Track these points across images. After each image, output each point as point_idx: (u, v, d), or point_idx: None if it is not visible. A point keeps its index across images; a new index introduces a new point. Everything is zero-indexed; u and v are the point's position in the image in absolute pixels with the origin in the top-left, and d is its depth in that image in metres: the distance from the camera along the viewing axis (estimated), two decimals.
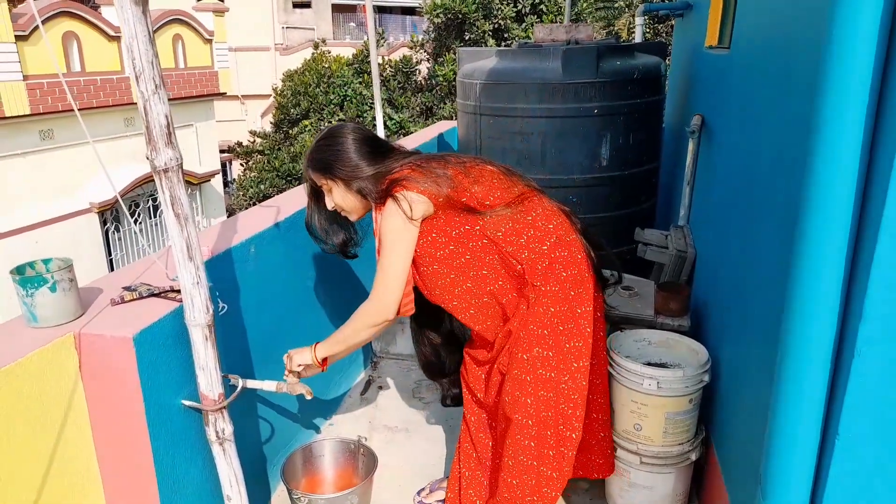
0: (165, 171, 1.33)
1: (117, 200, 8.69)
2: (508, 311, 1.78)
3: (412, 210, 1.66)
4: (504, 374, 1.80)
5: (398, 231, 1.68)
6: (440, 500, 2.18)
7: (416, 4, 17.68)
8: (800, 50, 1.44)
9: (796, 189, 1.37)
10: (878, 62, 0.96)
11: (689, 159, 2.92)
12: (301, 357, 1.84)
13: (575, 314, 1.75)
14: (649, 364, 2.04)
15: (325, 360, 1.84)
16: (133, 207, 9.47)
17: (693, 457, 2.04)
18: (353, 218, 1.89)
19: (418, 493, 2.23)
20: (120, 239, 9.38)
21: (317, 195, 1.91)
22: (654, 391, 1.94)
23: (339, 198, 1.81)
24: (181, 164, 1.36)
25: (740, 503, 1.68)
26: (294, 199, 2.51)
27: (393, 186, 1.69)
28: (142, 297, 1.61)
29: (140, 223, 9.69)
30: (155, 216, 9.80)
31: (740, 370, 1.83)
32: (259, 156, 12.02)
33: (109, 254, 9.18)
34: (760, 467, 1.21)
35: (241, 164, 12.61)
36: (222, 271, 1.91)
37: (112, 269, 8.92)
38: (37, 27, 7.50)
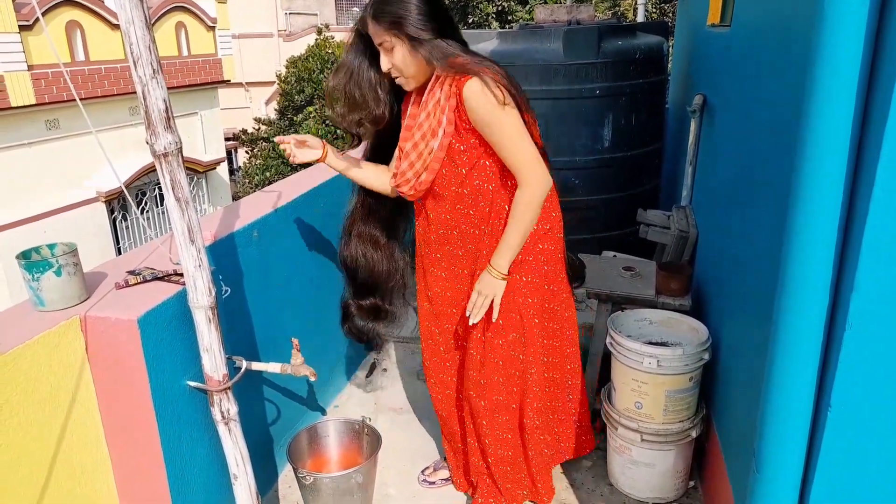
0: (165, 155, 1.35)
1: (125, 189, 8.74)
2: (486, 244, 1.77)
3: (504, 96, 1.57)
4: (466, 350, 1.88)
5: (505, 113, 1.58)
6: (444, 479, 2.21)
7: None
8: (796, 26, 1.43)
9: (789, 168, 1.37)
10: (868, 41, 0.96)
11: (690, 139, 2.91)
12: (490, 285, 1.71)
13: (544, 308, 1.84)
14: (650, 343, 2.05)
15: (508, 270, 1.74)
16: (140, 196, 9.52)
17: (693, 434, 2.05)
18: (408, 86, 1.72)
19: (423, 471, 2.26)
20: (128, 228, 9.44)
21: (365, 51, 1.73)
22: (654, 369, 1.96)
23: (400, 59, 1.63)
24: (181, 147, 1.37)
25: (739, 479, 1.70)
26: (295, 184, 2.52)
27: (476, 68, 1.58)
28: (146, 281, 1.64)
29: (147, 211, 9.74)
30: (162, 204, 9.85)
31: (739, 348, 1.84)
32: (264, 143, 12.02)
33: (117, 242, 9.24)
34: (754, 441, 1.23)
35: (247, 152, 12.62)
36: (225, 255, 1.93)
37: None
38: (41, 16, 7.51)
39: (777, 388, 1.16)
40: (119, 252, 9.15)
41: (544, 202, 1.69)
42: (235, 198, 12.14)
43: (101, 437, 1.55)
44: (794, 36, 1.44)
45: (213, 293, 1.52)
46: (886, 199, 0.94)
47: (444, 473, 2.23)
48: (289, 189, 2.44)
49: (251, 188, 11.45)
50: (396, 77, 1.70)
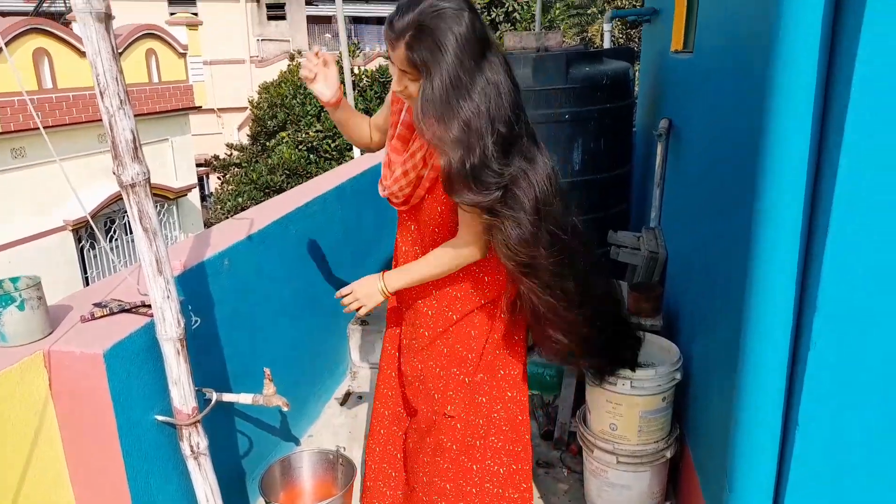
0: (133, 185, 1.34)
1: (90, 219, 8.58)
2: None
3: None
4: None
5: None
6: None
7: None
8: (755, 51, 1.48)
9: (752, 187, 1.41)
10: (821, 63, 1.00)
11: (657, 162, 2.97)
12: (369, 293, 1.70)
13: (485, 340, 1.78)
14: None
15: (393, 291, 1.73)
16: (108, 224, 9.36)
17: (668, 454, 2.07)
18: (411, 104, 1.59)
19: None
20: (95, 256, 9.26)
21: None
22: (628, 391, 1.97)
23: (416, 90, 1.45)
24: (148, 178, 1.36)
25: (714, 497, 1.71)
26: (267, 211, 2.51)
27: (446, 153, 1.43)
28: (112, 313, 1.60)
29: (116, 240, 9.58)
30: (131, 233, 9.67)
31: (710, 367, 1.86)
32: (236, 169, 11.95)
33: (85, 272, 9.05)
34: (726, 461, 1.24)
35: (219, 178, 12.52)
36: (195, 285, 1.90)
37: None
38: (7, 43, 7.41)
39: (746, 407, 1.18)
40: (87, 282, 8.96)
41: (489, 279, 1.71)
42: (207, 224, 12.02)
43: (64, 475, 1.50)
44: (754, 59, 1.49)
45: (182, 324, 1.50)
46: (844, 222, 0.98)
47: None
48: (260, 216, 2.43)
49: (223, 214, 11.34)
50: (407, 100, 1.60)
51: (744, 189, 1.56)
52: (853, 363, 1.02)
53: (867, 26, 0.90)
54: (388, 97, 1.80)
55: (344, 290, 1.77)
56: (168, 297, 1.45)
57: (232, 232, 2.24)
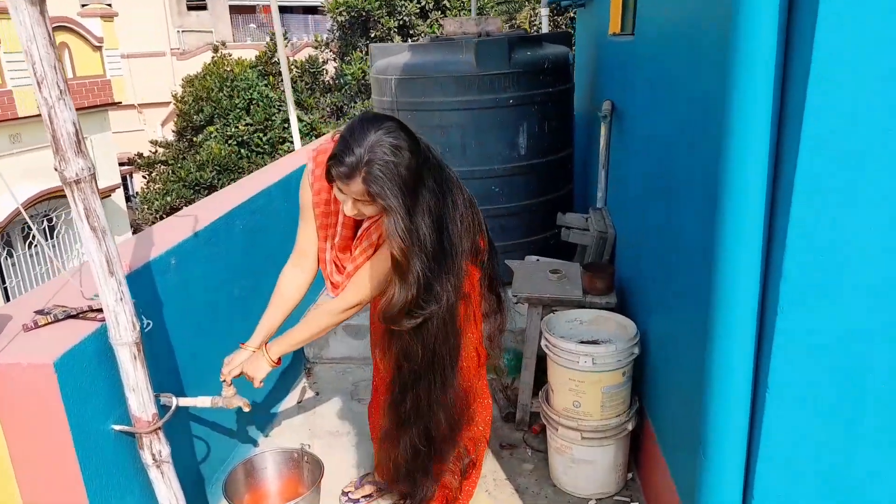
0: (77, 181, 1.25)
1: (7, 224, 8.05)
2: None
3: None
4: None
5: (380, 258, 1.66)
6: (367, 496, 2.17)
7: (318, 3, 17.37)
8: (706, 32, 1.52)
9: (710, 164, 1.45)
10: (779, 45, 1.03)
11: (602, 144, 3.03)
12: (257, 367, 1.78)
13: None
14: (582, 342, 2.10)
15: (279, 358, 1.81)
16: (27, 230, 8.80)
17: (629, 427, 2.12)
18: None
19: (344, 491, 2.20)
20: (14, 265, 8.70)
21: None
22: (590, 367, 2.01)
23: (370, 211, 1.55)
24: (94, 173, 1.28)
25: (678, 465, 1.77)
26: (211, 208, 2.41)
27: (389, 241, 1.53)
28: (58, 320, 1.50)
29: (36, 246, 9.02)
30: (52, 237, 9.15)
31: (668, 340, 1.92)
32: (163, 166, 11.46)
33: (3, 281, 8.49)
34: (699, 428, 1.28)
35: (144, 177, 11.98)
36: (143, 286, 1.80)
37: (8, 299, 8.25)
38: None
39: (716, 374, 1.21)
40: (6, 291, 8.41)
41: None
42: (134, 225, 11.49)
43: (15, 496, 1.40)
44: (705, 40, 1.53)
45: (137, 328, 1.42)
46: (808, 188, 1.01)
47: (368, 489, 2.18)
48: (205, 213, 2.33)
49: (151, 214, 10.86)
50: (357, 216, 1.61)
51: (700, 165, 1.60)
52: (821, 327, 1.06)
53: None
54: (303, 207, 1.80)
55: (233, 373, 1.81)
56: (121, 298, 1.37)
57: (176, 230, 2.14)
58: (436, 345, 1.65)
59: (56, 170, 1.24)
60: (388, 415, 1.82)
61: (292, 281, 1.87)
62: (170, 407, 1.62)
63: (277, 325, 1.89)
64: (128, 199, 13.06)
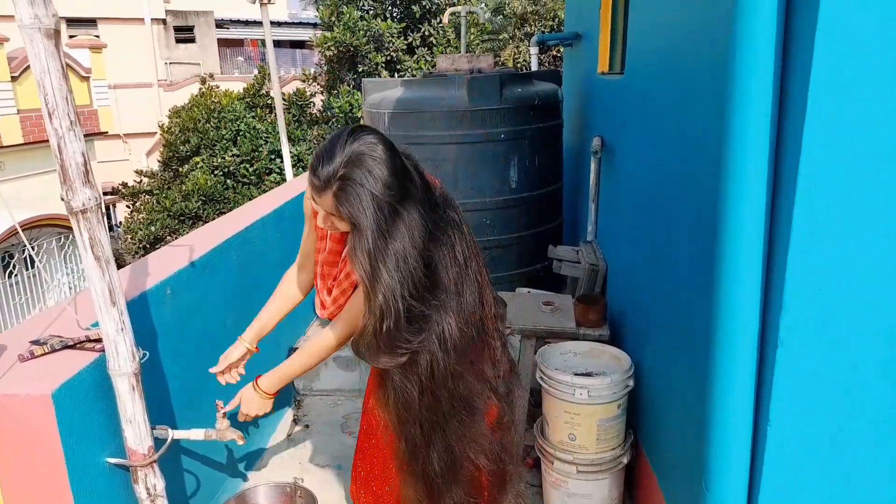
0: (84, 211, 1.25)
1: None
2: None
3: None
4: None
5: (357, 298, 1.59)
6: None
7: (306, 38, 17.61)
8: (698, 72, 1.57)
9: (705, 198, 1.49)
10: (776, 78, 1.07)
11: (592, 178, 3.09)
12: (255, 406, 1.74)
13: None
14: (577, 374, 2.11)
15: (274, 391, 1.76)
16: (7, 259, 8.66)
17: (625, 460, 2.12)
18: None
19: None
20: None
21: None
22: (586, 400, 2.01)
23: (344, 227, 1.46)
24: (101, 203, 1.28)
25: (677, 498, 1.77)
26: (206, 238, 2.41)
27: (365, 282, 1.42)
28: (54, 350, 1.48)
29: (16, 276, 8.87)
30: (32, 267, 9.00)
31: (663, 372, 1.94)
32: (147, 196, 11.38)
33: None
34: (701, 460, 1.29)
35: (128, 206, 11.88)
36: (137, 316, 1.78)
37: None
38: None
39: (717, 407, 1.23)
40: None
41: None
42: (117, 255, 11.35)
43: None
44: (697, 79, 1.58)
45: (137, 358, 1.41)
46: (807, 226, 1.04)
47: None
48: (199, 243, 2.33)
49: (134, 244, 10.75)
50: (330, 229, 1.56)
51: (690, 200, 1.64)
52: (820, 359, 1.09)
53: (822, 23, 0.97)
54: (306, 215, 1.73)
55: (229, 408, 1.79)
56: (122, 328, 1.36)
57: (172, 260, 2.13)
58: (435, 388, 1.48)
59: (63, 199, 1.24)
60: (412, 485, 1.59)
61: (293, 279, 1.85)
62: (165, 440, 1.60)
63: (273, 321, 1.85)
64: (111, 228, 12.94)
